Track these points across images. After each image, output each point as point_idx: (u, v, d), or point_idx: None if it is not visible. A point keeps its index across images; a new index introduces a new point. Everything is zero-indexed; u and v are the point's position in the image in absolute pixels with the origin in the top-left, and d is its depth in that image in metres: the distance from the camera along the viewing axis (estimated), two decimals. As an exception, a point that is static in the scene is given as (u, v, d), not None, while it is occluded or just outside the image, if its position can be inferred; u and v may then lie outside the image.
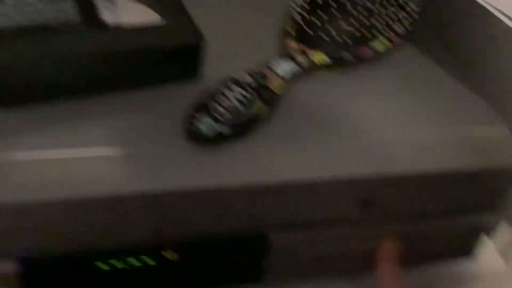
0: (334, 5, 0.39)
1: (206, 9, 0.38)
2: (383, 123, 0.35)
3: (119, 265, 0.33)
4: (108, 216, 0.30)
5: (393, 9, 0.39)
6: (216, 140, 0.32)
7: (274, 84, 0.35)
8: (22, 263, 0.30)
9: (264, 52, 0.37)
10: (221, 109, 0.32)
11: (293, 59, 0.36)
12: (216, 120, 0.32)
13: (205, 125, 0.32)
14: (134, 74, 0.34)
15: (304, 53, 0.37)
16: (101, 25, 0.34)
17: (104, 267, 0.33)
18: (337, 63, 0.38)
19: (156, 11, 0.36)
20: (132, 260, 0.33)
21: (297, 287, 0.38)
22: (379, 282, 0.35)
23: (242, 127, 0.32)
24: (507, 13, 0.36)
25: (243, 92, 0.33)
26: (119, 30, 0.34)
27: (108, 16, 0.35)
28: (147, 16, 0.36)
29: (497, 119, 0.36)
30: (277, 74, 0.35)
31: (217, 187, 0.30)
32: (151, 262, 0.33)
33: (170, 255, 0.33)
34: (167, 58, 0.34)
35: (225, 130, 0.32)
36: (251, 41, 0.39)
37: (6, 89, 0.31)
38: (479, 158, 0.35)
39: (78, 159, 0.29)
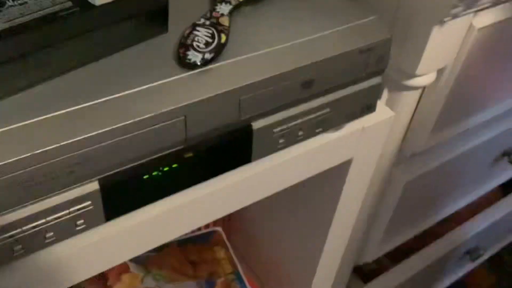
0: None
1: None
2: (301, 30, 0.51)
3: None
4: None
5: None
6: (202, 65, 0.45)
7: (223, 20, 0.49)
8: (101, 181, 0.42)
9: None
10: (200, 44, 0.46)
11: (227, 2, 0.50)
12: (199, 51, 0.45)
13: (193, 56, 0.45)
14: (124, 36, 0.46)
15: (232, -4, 0.51)
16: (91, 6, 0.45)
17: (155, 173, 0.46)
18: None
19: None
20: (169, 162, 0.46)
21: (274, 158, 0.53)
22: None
23: (216, 52, 0.46)
24: None
25: (208, 31, 0.47)
26: (105, 6, 0.45)
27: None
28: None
29: (367, 12, 0.54)
30: (222, 14, 0.49)
31: (213, 95, 0.44)
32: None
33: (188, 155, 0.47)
34: (147, 19, 0.46)
35: (207, 56, 0.45)
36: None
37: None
38: (362, 39, 0.52)
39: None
